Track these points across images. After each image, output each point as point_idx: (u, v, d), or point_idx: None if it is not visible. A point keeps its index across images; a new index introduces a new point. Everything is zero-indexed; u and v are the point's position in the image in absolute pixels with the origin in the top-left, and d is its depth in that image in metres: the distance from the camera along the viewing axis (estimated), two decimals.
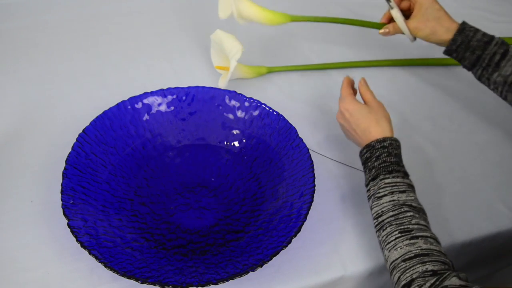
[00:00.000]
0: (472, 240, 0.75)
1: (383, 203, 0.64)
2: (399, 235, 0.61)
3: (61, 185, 0.67)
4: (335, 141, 0.85)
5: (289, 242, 0.63)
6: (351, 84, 0.79)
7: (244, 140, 0.81)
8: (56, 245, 0.68)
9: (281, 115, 0.79)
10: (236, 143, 0.81)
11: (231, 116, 0.81)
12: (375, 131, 0.70)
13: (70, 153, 0.71)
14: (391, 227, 0.62)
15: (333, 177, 0.80)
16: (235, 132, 0.81)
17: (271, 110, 0.80)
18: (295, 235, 0.64)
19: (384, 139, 0.68)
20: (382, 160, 0.67)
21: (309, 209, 0.67)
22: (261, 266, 0.61)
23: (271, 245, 0.64)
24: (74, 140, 0.73)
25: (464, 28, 0.79)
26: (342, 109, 0.74)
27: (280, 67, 0.99)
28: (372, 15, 1.17)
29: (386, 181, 0.65)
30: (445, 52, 0.82)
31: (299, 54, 1.04)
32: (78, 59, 0.98)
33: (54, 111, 0.87)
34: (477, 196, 0.80)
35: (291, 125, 0.78)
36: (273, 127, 0.79)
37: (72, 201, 0.66)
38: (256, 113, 0.80)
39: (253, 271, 0.61)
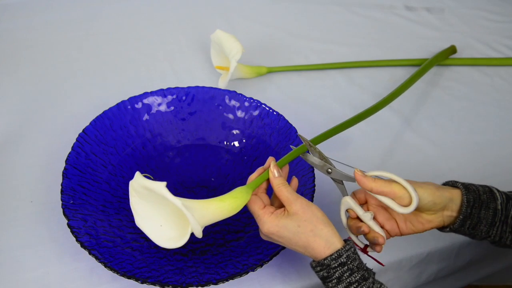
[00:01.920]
0: (472, 240, 0.75)
1: None
2: None
3: (61, 185, 0.67)
4: (335, 141, 0.85)
5: None
6: (257, 189, 0.61)
7: (244, 140, 0.81)
8: (56, 245, 0.68)
9: (281, 115, 0.79)
10: (236, 143, 0.81)
11: (231, 116, 0.81)
12: (318, 245, 0.56)
13: (70, 153, 0.71)
14: None
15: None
16: (235, 132, 0.81)
17: (271, 110, 0.80)
18: None
19: (339, 254, 0.55)
20: (346, 282, 0.55)
21: None
22: (261, 266, 0.61)
23: (271, 245, 0.64)
24: (74, 140, 0.73)
25: (467, 187, 0.62)
26: (264, 234, 0.59)
27: (280, 67, 0.99)
28: (372, 15, 1.17)
29: None
30: (453, 230, 0.62)
31: (299, 54, 1.04)
32: (78, 59, 0.98)
33: (54, 111, 0.87)
34: None
35: (291, 125, 0.78)
36: (273, 127, 0.79)
37: (72, 201, 0.66)
38: (256, 113, 0.80)
39: (253, 271, 0.61)
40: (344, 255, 0.55)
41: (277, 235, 0.57)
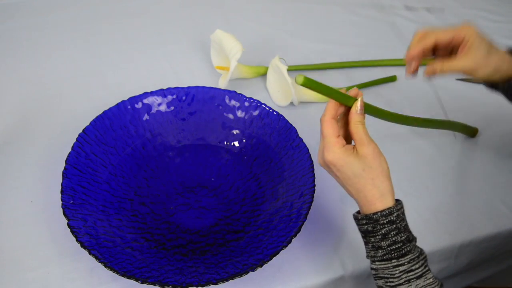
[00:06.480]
0: (472, 240, 0.75)
1: None
2: None
3: (61, 185, 0.67)
4: None
5: (289, 242, 0.63)
6: (336, 112, 0.59)
7: (244, 140, 0.81)
8: (56, 245, 0.68)
9: (281, 115, 0.79)
10: (236, 143, 0.81)
11: (231, 116, 0.81)
12: (372, 195, 0.56)
13: (70, 153, 0.71)
14: None
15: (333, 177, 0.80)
16: (235, 132, 0.81)
17: (271, 110, 0.80)
18: (295, 235, 0.64)
19: (390, 212, 0.56)
20: (391, 240, 0.56)
21: (309, 209, 0.67)
22: (261, 266, 0.61)
23: (271, 245, 0.64)
24: (74, 140, 0.73)
25: None
26: (326, 161, 0.58)
27: None
28: (373, 15, 1.17)
29: (401, 268, 0.56)
30: (506, 88, 0.69)
31: (299, 54, 1.04)
32: (78, 59, 0.98)
33: (54, 111, 0.87)
34: (477, 196, 0.80)
35: (291, 125, 0.78)
36: (273, 127, 0.79)
37: (72, 201, 0.66)
38: (256, 113, 0.80)
39: (253, 271, 0.61)
40: (395, 214, 0.56)
41: (337, 169, 0.57)
